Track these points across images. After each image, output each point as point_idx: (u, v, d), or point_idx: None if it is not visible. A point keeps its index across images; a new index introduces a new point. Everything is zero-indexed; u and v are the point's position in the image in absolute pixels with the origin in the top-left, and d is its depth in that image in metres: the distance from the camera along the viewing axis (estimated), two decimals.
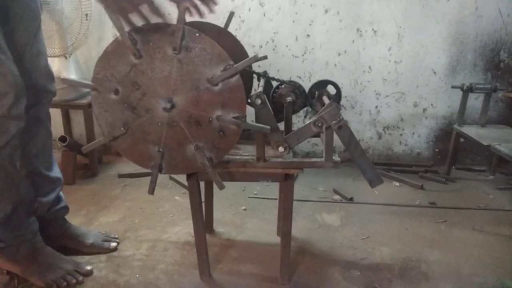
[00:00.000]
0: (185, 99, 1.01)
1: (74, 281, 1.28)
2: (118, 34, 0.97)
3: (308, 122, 1.11)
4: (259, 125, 1.07)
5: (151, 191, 1.11)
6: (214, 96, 1.01)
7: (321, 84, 1.29)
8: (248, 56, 1.34)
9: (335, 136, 1.11)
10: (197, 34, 0.96)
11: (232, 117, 1.02)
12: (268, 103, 1.10)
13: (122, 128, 1.06)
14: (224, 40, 1.29)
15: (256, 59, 0.99)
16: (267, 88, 1.30)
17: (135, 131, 1.06)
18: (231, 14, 1.38)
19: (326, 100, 1.21)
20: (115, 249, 1.49)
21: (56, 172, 1.43)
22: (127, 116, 1.05)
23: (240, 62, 0.98)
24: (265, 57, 1.40)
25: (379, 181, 1.18)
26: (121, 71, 1.01)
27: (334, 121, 1.09)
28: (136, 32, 0.97)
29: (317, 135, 1.38)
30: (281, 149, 1.13)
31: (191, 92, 1.01)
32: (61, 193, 1.46)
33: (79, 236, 1.46)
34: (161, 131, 1.05)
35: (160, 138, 1.06)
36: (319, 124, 1.09)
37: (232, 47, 1.32)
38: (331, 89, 1.30)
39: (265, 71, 1.33)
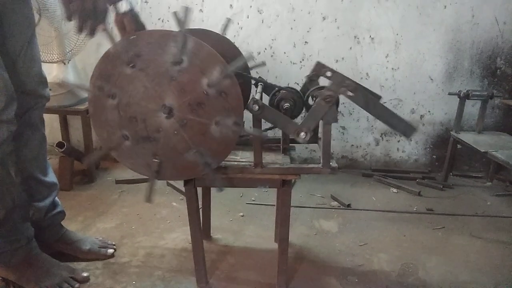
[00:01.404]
0: (183, 105, 1.01)
1: None
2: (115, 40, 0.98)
3: (317, 99, 1.06)
4: (256, 130, 1.07)
5: (148, 199, 1.10)
6: (211, 101, 1.01)
7: (319, 89, 1.29)
8: (247, 65, 1.35)
9: (333, 143, 1.11)
10: (195, 42, 0.97)
11: (231, 123, 1.02)
12: (266, 105, 1.09)
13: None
14: (222, 47, 1.30)
15: (246, 59, 0.98)
16: (266, 94, 1.30)
17: (133, 139, 1.06)
18: (228, 21, 1.39)
19: (329, 74, 1.19)
20: (112, 255, 1.48)
21: (52, 177, 1.43)
22: (125, 124, 1.04)
23: (231, 63, 0.98)
24: (263, 64, 1.40)
25: (413, 130, 1.12)
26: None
27: (343, 88, 1.05)
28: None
29: (315, 141, 1.39)
30: (302, 134, 1.09)
31: (172, 84, 1.00)
32: (57, 198, 1.45)
33: (75, 242, 1.46)
34: (159, 137, 1.05)
35: (158, 145, 1.06)
36: (329, 95, 1.04)
37: (230, 53, 1.32)
38: None
39: (260, 77, 1.33)
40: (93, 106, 1.05)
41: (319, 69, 1.25)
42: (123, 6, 1.14)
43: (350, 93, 1.05)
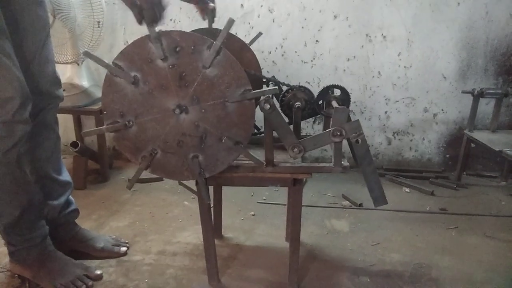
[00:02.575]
0: (198, 111, 1.03)
1: (84, 286, 1.29)
2: (128, 41, 0.99)
3: (327, 130, 1.10)
4: (254, 157, 1.10)
5: (130, 186, 1.12)
6: (227, 113, 1.03)
7: (330, 89, 1.29)
8: (261, 73, 1.37)
9: (344, 142, 1.11)
10: (226, 53, 0.98)
11: (241, 91, 1.02)
12: (276, 107, 1.10)
13: (127, 121, 1.06)
14: (244, 54, 1.32)
15: (230, 24, 0.97)
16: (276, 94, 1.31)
17: (139, 125, 1.06)
18: (259, 35, 1.42)
19: (335, 104, 1.21)
20: (125, 253, 1.50)
21: (66, 176, 1.45)
22: (137, 109, 1.04)
23: (219, 36, 0.97)
24: (260, 33, 1.47)
25: (384, 201, 1.19)
26: (145, 66, 1.01)
27: (353, 134, 1.09)
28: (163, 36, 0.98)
29: None
30: (296, 150, 1.11)
31: (205, 105, 1.02)
32: (71, 197, 1.48)
33: (89, 240, 1.48)
34: (163, 132, 1.06)
35: (159, 138, 1.07)
36: (338, 134, 1.09)
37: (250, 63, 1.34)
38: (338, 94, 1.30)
39: (273, 76, 1.33)
40: (117, 138, 1.07)
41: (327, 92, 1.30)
42: None
43: (357, 141, 1.10)
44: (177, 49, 0.98)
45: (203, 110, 1.03)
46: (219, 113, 1.03)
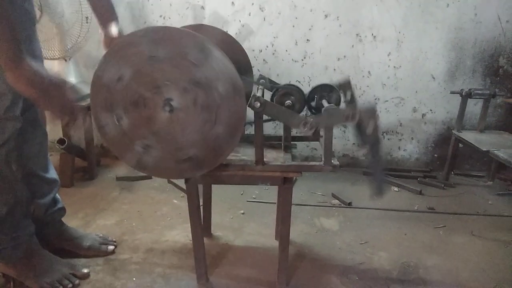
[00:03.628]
0: (188, 108, 1.01)
1: (70, 285, 1.27)
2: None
3: (343, 110, 1.08)
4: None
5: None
6: (219, 110, 1.01)
7: (321, 88, 1.29)
8: (252, 71, 1.36)
9: (335, 141, 1.11)
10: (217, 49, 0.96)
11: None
12: (268, 101, 1.09)
13: (115, 118, 1.04)
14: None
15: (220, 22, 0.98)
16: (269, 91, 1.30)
17: (128, 123, 1.04)
18: (248, 29, 1.41)
19: (325, 103, 1.21)
20: (112, 252, 1.48)
21: (53, 174, 1.43)
22: (125, 106, 1.02)
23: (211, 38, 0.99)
24: (251, 31, 1.42)
25: (383, 192, 1.18)
26: (133, 62, 0.99)
27: (370, 121, 1.07)
28: None
29: (316, 139, 1.39)
30: (308, 125, 1.09)
31: (196, 101, 1.00)
32: (57, 195, 1.46)
33: (76, 238, 1.46)
34: (152, 129, 1.04)
35: (152, 136, 1.05)
36: (353, 117, 1.06)
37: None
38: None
39: (263, 75, 1.33)
40: (113, 141, 1.06)
41: (346, 86, 1.27)
42: (113, 30, 1.17)
43: (371, 128, 1.08)
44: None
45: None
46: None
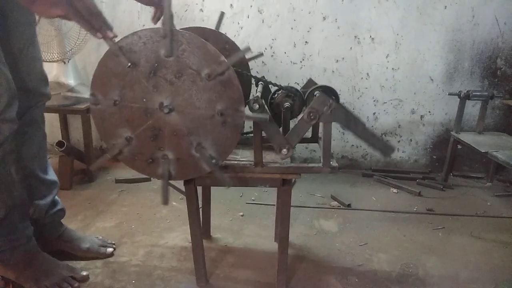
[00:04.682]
0: (183, 101, 1.01)
1: (70, 287, 1.27)
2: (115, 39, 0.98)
3: (300, 116, 1.10)
4: (258, 115, 1.06)
5: (165, 201, 1.08)
6: (211, 92, 1.00)
7: (319, 90, 1.29)
8: (250, 73, 1.36)
9: (333, 143, 1.11)
10: (186, 35, 0.96)
11: (233, 111, 1.01)
12: (266, 107, 1.10)
13: (125, 139, 1.06)
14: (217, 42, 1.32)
15: (245, 52, 0.99)
16: (265, 94, 1.31)
17: (138, 140, 1.06)
18: (222, 14, 1.42)
19: None
20: (111, 254, 1.47)
21: (52, 175, 1.43)
22: (128, 127, 1.04)
23: (232, 56, 0.99)
24: (261, 54, 1.42)
25: (390, 150, 1.16)
26: (118, 82, 1.01)
27: (325, 107, 1.08)
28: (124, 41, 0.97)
29: (315, 141, 1.39)
30: (284, 151, 1.11)
31: (188, 92, 1.00)
32: (57, 196, 1.45)
33: (75, 240, 1.46)
34: (163, 136, 1.04)
35: (164, 143, 1.05)
36: (312, 116, 1.09)
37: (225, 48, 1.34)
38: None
39: (263, 77, 1.33)
40: (98, 115, 1.04)
41: (310, 85, 1.29)
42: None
43: (330, 114, 1.10)
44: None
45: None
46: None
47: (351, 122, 1.12)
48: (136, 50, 0.97)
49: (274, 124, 1.11)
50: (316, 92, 1.20)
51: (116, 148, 1.06)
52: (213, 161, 1.06)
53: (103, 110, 1.02)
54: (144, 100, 1.01)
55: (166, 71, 0.99)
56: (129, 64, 0.97)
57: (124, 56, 0.97)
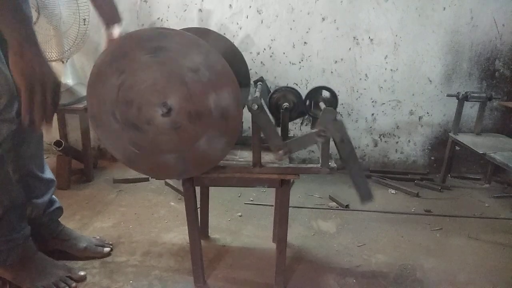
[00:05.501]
0: (179, 98, 1.01)
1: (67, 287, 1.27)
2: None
3: (312, 131, 1.10)
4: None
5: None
6: (212, 118, 1.01)
7: (318, 90, 1.30)
8: (249, 74, 1.37)
9: (332, 143, 1.11)
10: (163, 30, 0.96)
11: (222, 144, 1.03)
12: (265, 107, 1.09)
13: (133, 149, 1.06)
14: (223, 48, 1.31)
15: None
16: (264, 94, 1.30)
17: (146, 147, 1.06)
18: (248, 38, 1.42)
19: (322, 106, 1.21)
20: (108, 254, 1.47)
21: (49, 173, 1.42)
22: (132, 136, 1.05)
23: (243, 92, 1.00)
24: (252, 42, 1.43)
25: (370, 198, 1.18)
26: (110, 94, 1.01)
27: (338, 134, 1.09)
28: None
29: None
30: (281, 153, 1.12)
31: (181, 88, 1.00)
32: (53, 195, 1.45)
33: (72, 239, 1.45)
34: (147, 130, 1.04)
35: (143, 136, 1.05)
36: (323, 134, 1.09)
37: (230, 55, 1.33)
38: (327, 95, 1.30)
39: (262, 77, 1.33)
40: (96, 75, 1.02)
41: (315, 93, 1.30)
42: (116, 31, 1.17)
43: (339, 142, 1.11)
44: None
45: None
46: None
47: (352, 158, 1.13)
48: (168, 46, 0.97)
49: (272, 125, 1.10)
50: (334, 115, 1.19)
51: (129, 159, 1.07)
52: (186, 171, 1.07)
53: (106, 76, 1.01)
54: (148, 91, 1.01)
55: (183, 78, 0.99)
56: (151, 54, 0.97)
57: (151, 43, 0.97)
